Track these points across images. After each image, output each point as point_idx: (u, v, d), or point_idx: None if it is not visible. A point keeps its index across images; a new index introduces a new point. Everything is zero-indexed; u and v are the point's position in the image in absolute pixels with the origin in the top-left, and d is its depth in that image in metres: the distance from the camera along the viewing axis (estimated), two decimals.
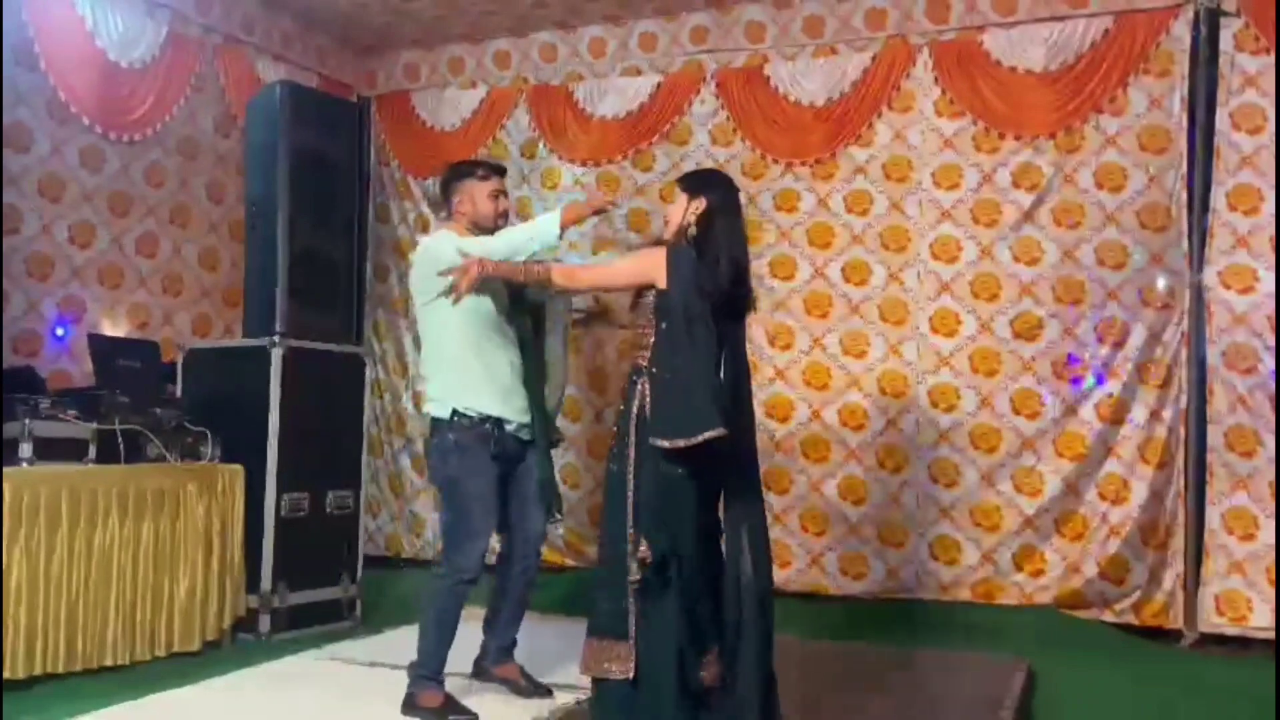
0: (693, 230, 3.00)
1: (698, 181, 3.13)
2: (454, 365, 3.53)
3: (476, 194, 3.65)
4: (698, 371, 2.87)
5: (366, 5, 5.94)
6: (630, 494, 2.94)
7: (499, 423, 3.53)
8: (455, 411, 3.49)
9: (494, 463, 3.52)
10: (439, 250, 3.48)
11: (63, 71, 4.91)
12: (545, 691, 3.69)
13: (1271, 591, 4.69)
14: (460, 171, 3.75)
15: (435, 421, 3.56)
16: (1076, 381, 5.19)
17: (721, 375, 2.95)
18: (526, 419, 3.60)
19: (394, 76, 6.71)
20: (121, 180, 5.32)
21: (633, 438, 2.96)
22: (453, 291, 3.32)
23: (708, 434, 2.79)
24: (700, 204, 2.99)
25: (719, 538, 3.04)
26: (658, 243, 3.21)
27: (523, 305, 3.68)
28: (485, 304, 3.53)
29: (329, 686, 3.77)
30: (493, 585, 3.82)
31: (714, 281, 2.92)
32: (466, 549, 3.46)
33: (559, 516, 3.84)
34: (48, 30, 4.84)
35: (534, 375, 3.66)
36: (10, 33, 4.67)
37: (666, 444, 2.83)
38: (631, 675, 2.89)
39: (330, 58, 6.46)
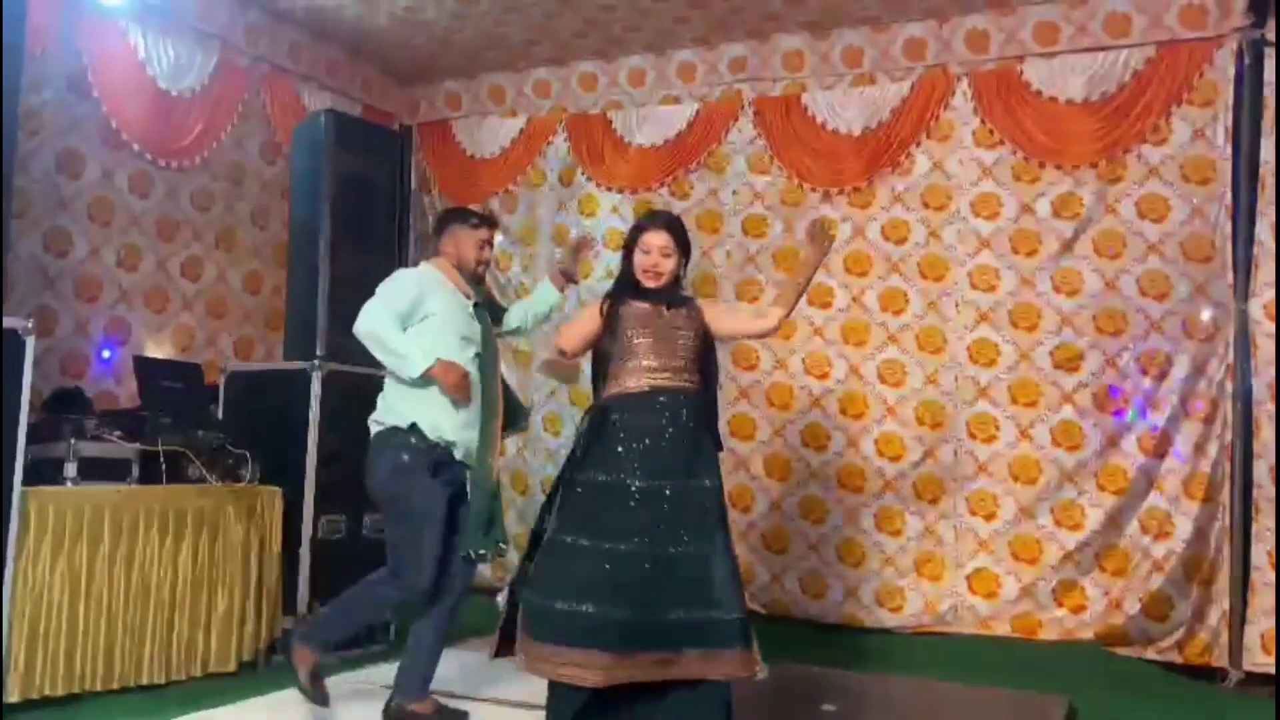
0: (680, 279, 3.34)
1: (689, 243, 3.34)
2: (421, 384, 3.53)
3: (464, 240, 3.78)
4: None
5: (410, 35, 6.03)
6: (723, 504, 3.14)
7: (450, 448, 3.58)
8: (415, 425, 3.53)
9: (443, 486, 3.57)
10: (402, 278, 3.65)
11: (115, 100, 5.04)
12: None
13: None
14: (454, 216, 3.92)
15: (391, 430, 3.56)
16: (1118, 414, 5.12)
17: None
18: (472, 447, 3.63)
19: (436, 105, 6.80)
20: (169, 205, 5.43)
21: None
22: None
23: None
24: (684, 263, 3.31)
25: None
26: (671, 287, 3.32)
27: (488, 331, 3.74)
28: (459, 329, 3.62)
29: (363, 709, 3.77)
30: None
31: None
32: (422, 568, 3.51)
33: (480, 555, 3.57)
34: (101, 59, 4.98)
35: (489, 403, 3.66)
36: (65, 62, 4.82)
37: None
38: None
39: (374, 86, 6.57)
